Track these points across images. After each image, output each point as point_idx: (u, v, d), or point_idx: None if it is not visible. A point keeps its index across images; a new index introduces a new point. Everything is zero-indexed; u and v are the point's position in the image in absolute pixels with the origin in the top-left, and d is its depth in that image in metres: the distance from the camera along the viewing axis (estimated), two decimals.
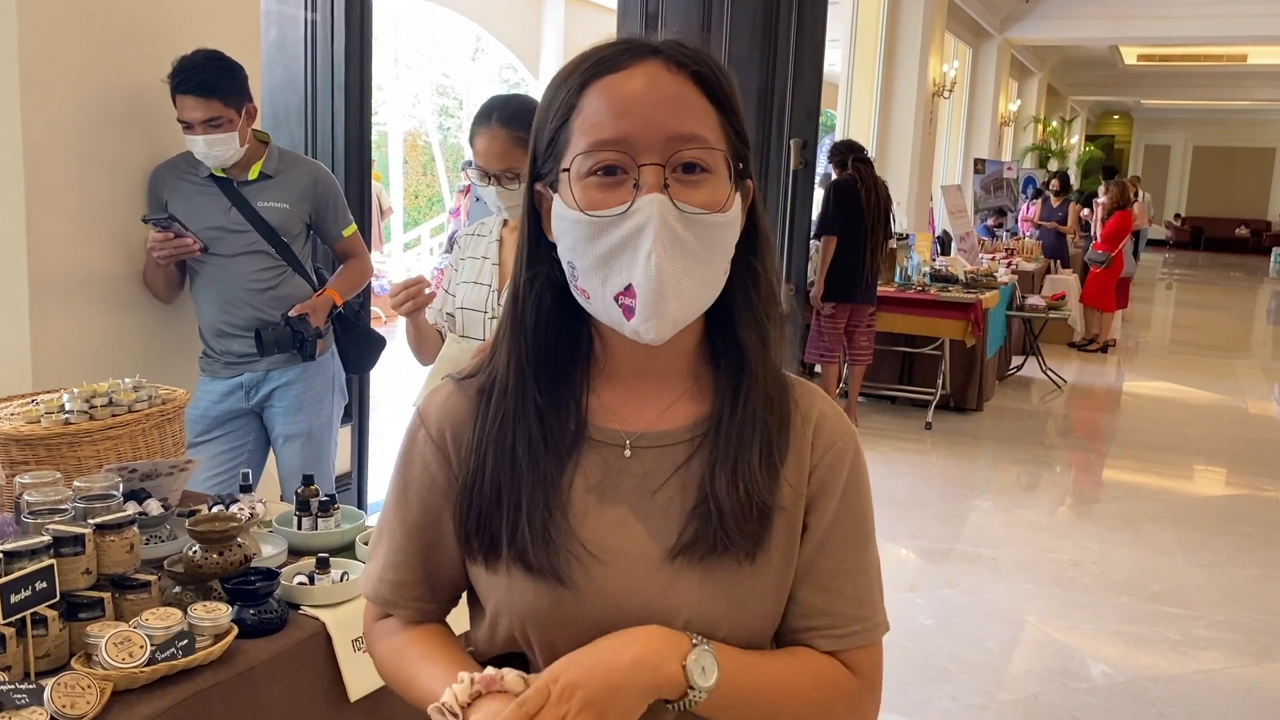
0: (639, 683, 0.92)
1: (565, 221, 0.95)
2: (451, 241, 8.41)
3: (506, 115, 2.20)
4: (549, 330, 1.01)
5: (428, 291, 2.30)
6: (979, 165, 12.46)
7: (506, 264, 2.39)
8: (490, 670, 0.95)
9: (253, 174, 2.86)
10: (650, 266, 0.90)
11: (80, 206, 2.71)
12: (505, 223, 2.41)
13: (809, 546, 1.02)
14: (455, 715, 0.92)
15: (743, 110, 0.99)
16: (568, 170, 0.95)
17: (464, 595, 1.12)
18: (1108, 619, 4.03)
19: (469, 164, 2.37)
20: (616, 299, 0.93)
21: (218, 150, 2.73)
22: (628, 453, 1.01)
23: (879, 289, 6.90)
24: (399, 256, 12.73)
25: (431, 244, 13.49)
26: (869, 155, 6.48)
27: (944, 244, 9.76)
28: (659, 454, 1.01)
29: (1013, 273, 8.76)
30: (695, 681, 0.92)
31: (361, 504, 4.15)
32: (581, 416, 1.01)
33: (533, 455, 0.99)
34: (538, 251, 1.01)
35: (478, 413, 1.03)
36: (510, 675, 0.94)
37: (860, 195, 6.14)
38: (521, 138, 2.15)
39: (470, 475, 1.01)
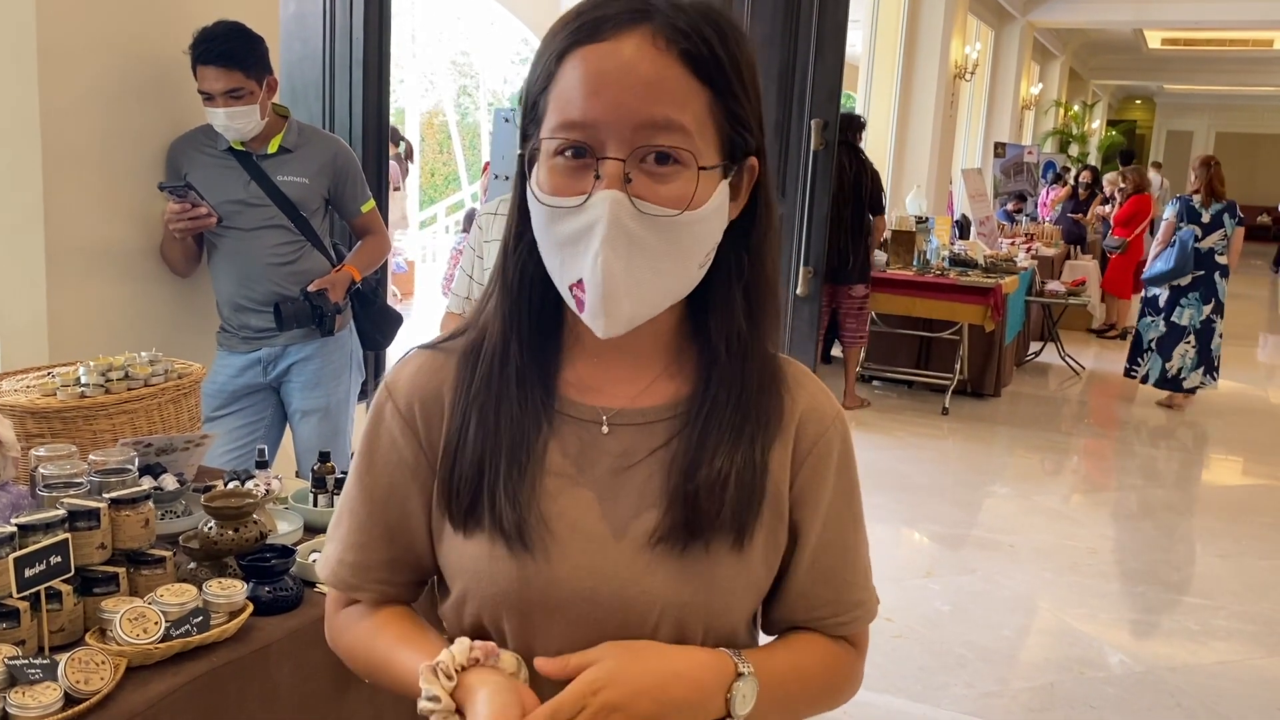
0: (680, 717, 0.90)
1: (531, 200, 0.93)
2: (469, 220, 8.37)
3: None
4: (533, 295, 0.97)
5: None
6: (999, 149, 12.35)
7: None
8: (490, 642, 0.92)
9: (272, 147, 2.84)
10: (597, 267, 0.87)
11: (98, 179, 2.69)
12: None
13: (807, 542, 1.00)
14: (450, 678, 0.88)
15: (751, 84, 0.92)
16: (540, 147, 0.91)
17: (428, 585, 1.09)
18: (1126, 608, 4.00)
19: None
20: (570, 289, 0.91)
21: (238, 123, 2.71)
22: (605, 429, 0.97)
23: (898, 273, 6.86)
24: (415, 234, 12.72)
25: (447, 222, 13.47)
26: (854, 134, 6.42)
27: (963, 228, 9.67)
28: (636, 432, 0.97)
29: (1032, 258, 8.68)
30: (735, 711, 0.92)
31: None
32: (553, 387, 0.98)
33: (512, 420, 0.96)
34: (525, 214, 0.95)
35: (460, 374, 1.00)
36: (506, 654, 0.92)
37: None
38: None
39: (454, 436, 0.98)
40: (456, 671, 0.89)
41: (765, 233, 0.98)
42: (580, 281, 0.90)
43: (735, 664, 0.93)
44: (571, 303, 0.93)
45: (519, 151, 0.98)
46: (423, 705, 0.88)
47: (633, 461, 0.97)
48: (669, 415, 0.98)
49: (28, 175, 2.54)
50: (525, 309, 0.98)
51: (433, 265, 11.97)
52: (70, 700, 1.32)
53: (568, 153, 0.89)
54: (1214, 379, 7.36)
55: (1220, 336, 7.29)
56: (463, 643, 0.91)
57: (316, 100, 3.94)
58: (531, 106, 0.94)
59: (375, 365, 3.92)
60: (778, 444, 0.98)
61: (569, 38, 0.90)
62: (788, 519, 0.99)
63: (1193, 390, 7.35)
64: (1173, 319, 7.26)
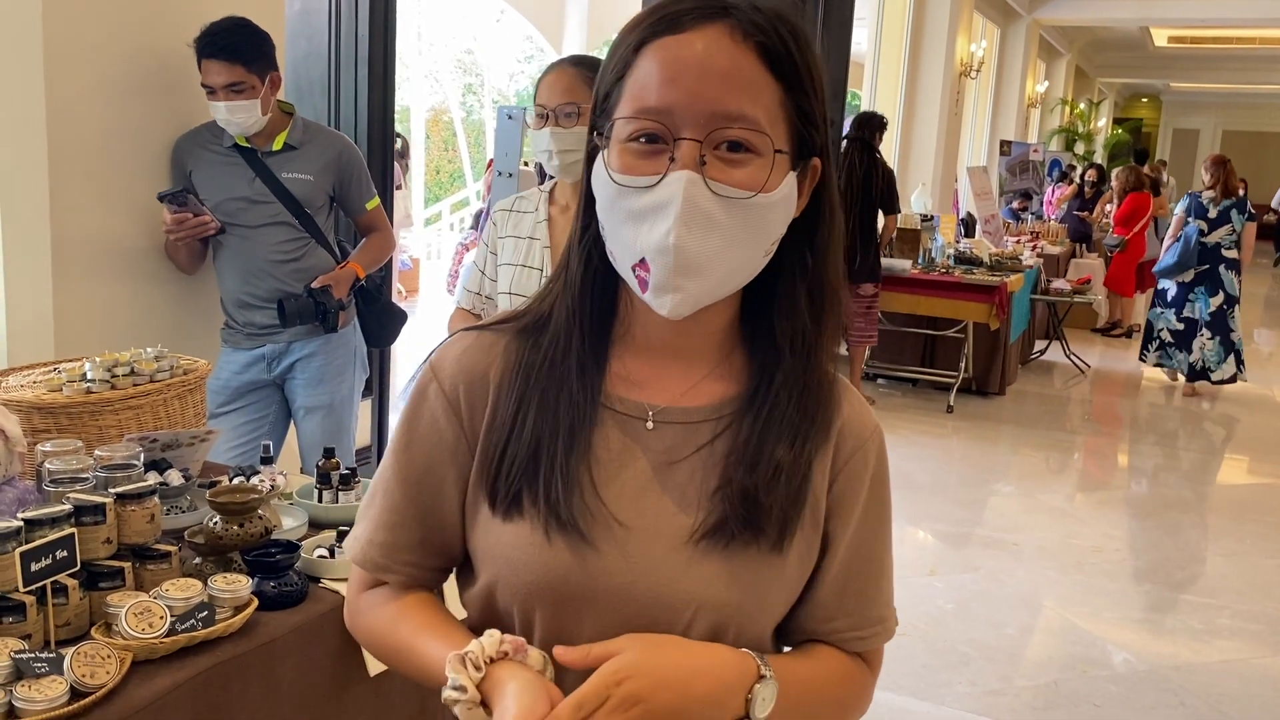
0: (700, 713, 0.89)
1: (600, 180, 0.94)
2: (478, 219, 8.37)
3: (579, 58, 2.24)
4: (593, 287, 0.98)
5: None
6: (1005, 147, 12.32)
7: (559, 246, 2.32)
8: (520, 637, 0.92)
9: (277, 144, 2.84)
10: (668, 243, 0.88)
11: (104, 176, 2.70)
12: (551, 199, 2.33)
13: (836, 552, 1.00)
14: (479, 669, 0.87)
15: (819, 85, 0.94)
16: (611, 132, 0.93)
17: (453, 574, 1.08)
18: (1130, 607, 4.00)
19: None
20: (633, 269, 0.92)
21: (239, 117, 2.71)
22: (649, 425, 0.97)
23: (906, 272, 6.85)
24: (420, 232, 12.73)
25: (452, 219, 13.48)
26: (872, 132, 6.42)
27: (968, 226, 9.66)
28: (681, 430, 0.97)
29: (1038, 256, 8.67)
30: (754, 713, 0.91)
31: None
32: (601, 383, 0.98)
33: (571, 410, 0.96)
34: (592, 206, 0.97)
35: (515, 355, 0.99)
36: (534, 651, 0.92)
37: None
38: (589, 76, 2.13)
39: (508, 417, 0.97)
40: (485, 663, 0.89)
41: (830, 234, 0.98)
42: (644, 260, 0.90)
43: (758, 665, 0.93)
44: (634, 283, 0.93)
45: (590, 146, 0.98)
46: (447, 694, 0.88)
47: (675, 459, 0.97)
48: (715, 416, 0.98)
49: (34, 172, 2.54)
50: (589, 301, 0.98)
51: (437, 262, 11.98)
52: (76, 694, 1.32)
53: (642, 138, 0.90)
54: (1242, 370, 7.55)
55: (1237, 330, 7.50)
56: (492, 635, 0.90)
57: (322, 97, 3.95)
58: (604, 98, 0.95)
59: (379, 362, 3.93)
60: (821, 451, 0.99)
61: (647, 30, 0.91)
62: (822, 528, 1.00)
63: (1222, 382, 7.52)
64: (1184, 314, 7.50)
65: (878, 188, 6.32)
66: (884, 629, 1.05)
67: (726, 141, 0.89)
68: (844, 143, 6.46)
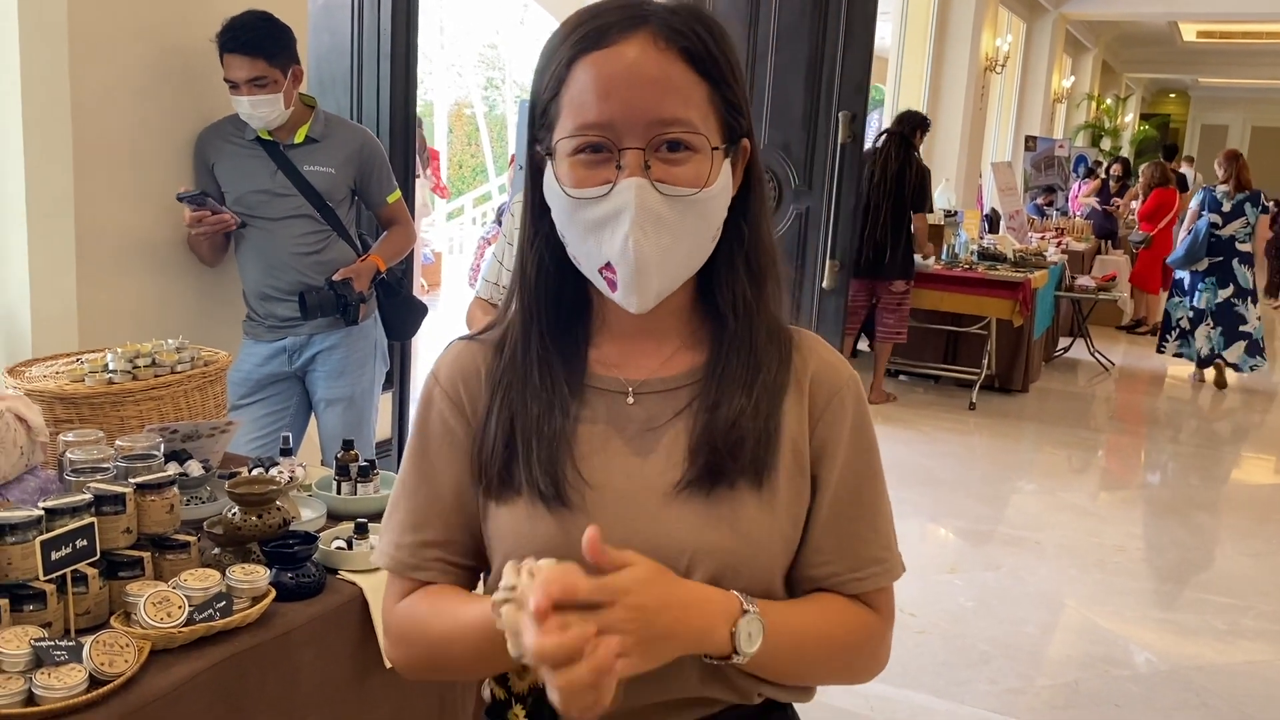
0: (690, 641, 0.92)
1: (552, 194, 0.99)
2: (500, 214, 8.38)
3: None
4: (550, 287, 1.05)
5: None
6: (1030, 142, 12.23)
7: None
8: None
9: (299, 137, 2.85)
10: (629, 247, 0.95)
11: (127, 169, 2.72)
12: None
13: (825, 495, 1.04)
14: (533, 576, 0.87)
15: (739, 73, 1.01)
16: (555, 148, 0.98)
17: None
18: (1152, 606, 3.96)
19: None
20: (600, 272, 0.98)
21: (262, 111, 2.72)
22: (630, 399, 1.04)
23: (929, 268, 6.80)
24: (442, 226, 12.76)
25: (475, 214, 13.52)
26: (913, 129, 6.39)
27: (992, 222, 9.59)
28: (660, 399, 1.04)
29: (1063, 252, 8.59)
30: (741, 647, 0.94)
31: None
32: (582, 365, 1.05)
33: (538, 398, 1.03)
34: (537, 210, 1.04)
35: (492, 362, 1.07)
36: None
37: (868, 168, 6.11)
38: None
39: (484, 415, 1.05)
40: (531, 575, 0.90)
41: (760, 203, 1.06)
42: (610, 264, 0.97)
43: (740, 602, 0.95)
44: (602, 285, 1.00)
45: (530, 154, 1.05)
46: (497, 596, 0.89)
47: (657, 424, 1.03)
48: (689, 382, 1.04)
49: (58, 164, 2.56)
50: (543, 300, 1.05)
51: (460, 256, 12.01)
52: (95, 682, 1.33)
53: (586, 150, 0.96)
54: (1263, 359, 7.62)
55: (1260, 320, 7.60)
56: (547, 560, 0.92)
57: (344, 92, 3.96)
58: (542, 113, 1.00)
59: (400, 355, 3.94)
60: (792, 399, 1.04)
61: (574, 47, 0.96)
62: (809, 473, 1.04)
63: (1237, 367, 7.62)
64: (1194, 303, 7.66)
65: (910, 184, 6.27)
66: (883, 570, 1.06)
67: (666, 142, 0.95)
68: (881, 136, 6.41)
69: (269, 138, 2.83)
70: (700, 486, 0.99)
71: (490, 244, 8.95)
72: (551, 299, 1.05)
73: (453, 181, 14.99)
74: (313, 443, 3.14)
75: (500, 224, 8.42)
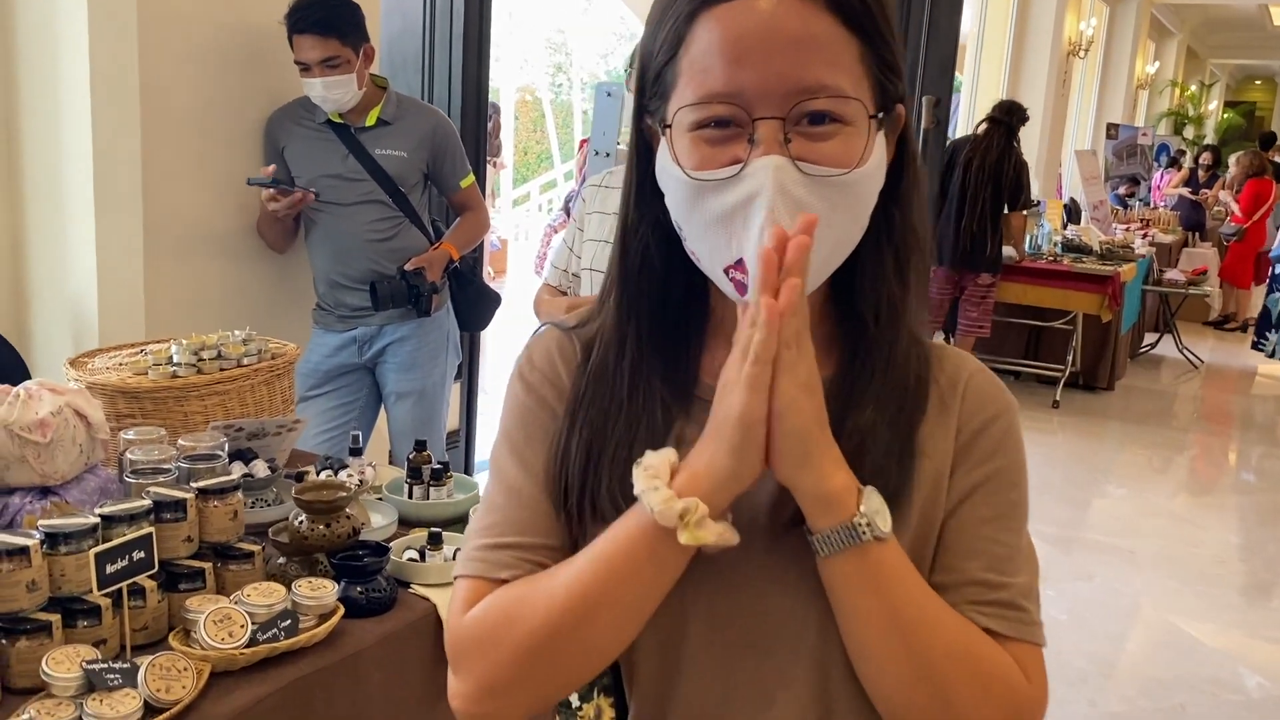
0: (821, 451, 0.79)
1: (668, 177, 0.83)
2: (568, 202, 8.27)
3: None
4: (655, 281, 0.89)
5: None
6: (1112, 130, 11.82)
7: None
8: None
9: (370, 120, 2.74)
10: (764, 240, 0.76)
11: (195, 152, 2.64)
12: None
13: (957, 536, 0.87)
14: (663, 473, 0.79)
15: (893, 24, 0.83)
16: (672, 121, 0.82)
17: None
18: (1261, 624, 3.72)
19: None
20: (727, 272, 0.81)
21: (335, 93, 2.62)
22: None
23: (1013, 260, 6.53)
24: (508, 212, 12.71)
25: (541, 200, 13.45)
26: (1019, 120, 6.10)
27: (1071, 212, 9.26)
28: None
29: (1150, 244, 8.26)
30: (870, 516, 0.79)
31: (469, 463, 4.08)
32: (692, 374, 0.89)
33: (625, 415, 0.87)
34: (645, 192, 0.87)
35: (579, 371, 0.91)
36: None
37: (960, 157, 5.86)
38: None
39: (563, 433, 0.88)
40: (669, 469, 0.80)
41: (914, 184, 0.88)
42: (740, 261, 0.80)
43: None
44: (728, 287, 0.82)
45: (639, 127, 0.88)
46: (641, 487, 0.78)
47: None
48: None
49: (126, 148, 2.48)
50: (646, 297, 0.89)
51: (526, 244, 11.94)
52: (150, 709, 1.22)
53: (710, 124, 0.80)
54: None
55: None
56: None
57: (415, 74, 3.85)
58: (655, 78, 0.84)
59: (469, 346, 3.83)
60: (935, 422, 0.87)
61: None
62: (941, 509, 0.87)
63: None
64: None
65: (1008, 176, 5.98)
66: (1017, 619, 0.85)
67: (809, 113, 0.78)
68: (982, 124, 6.12)
69: (340, 120, 2.72)
70: (799, 526, 0.82)
71: (556, 231, 8.86)
72: (656, 296, 0.89)
73: (518, 169, 14.94)
74: (380, 436, 3.04)
75: (568, 212, 8.31)
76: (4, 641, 1.26)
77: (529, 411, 0.92)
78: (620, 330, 0.89)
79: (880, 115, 0.81)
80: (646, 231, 0.88)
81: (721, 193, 0.79)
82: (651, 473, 0.79)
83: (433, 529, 1.71)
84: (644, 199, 0.87)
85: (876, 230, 0.85)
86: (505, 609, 0.83)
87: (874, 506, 0.79)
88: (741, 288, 0.81)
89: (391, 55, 3.77)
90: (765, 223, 0.77)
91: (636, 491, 0.79)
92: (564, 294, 2.42)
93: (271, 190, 2.61)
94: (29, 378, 2.25)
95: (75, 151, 2.43)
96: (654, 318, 0.89)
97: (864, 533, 0.78)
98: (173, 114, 2.56)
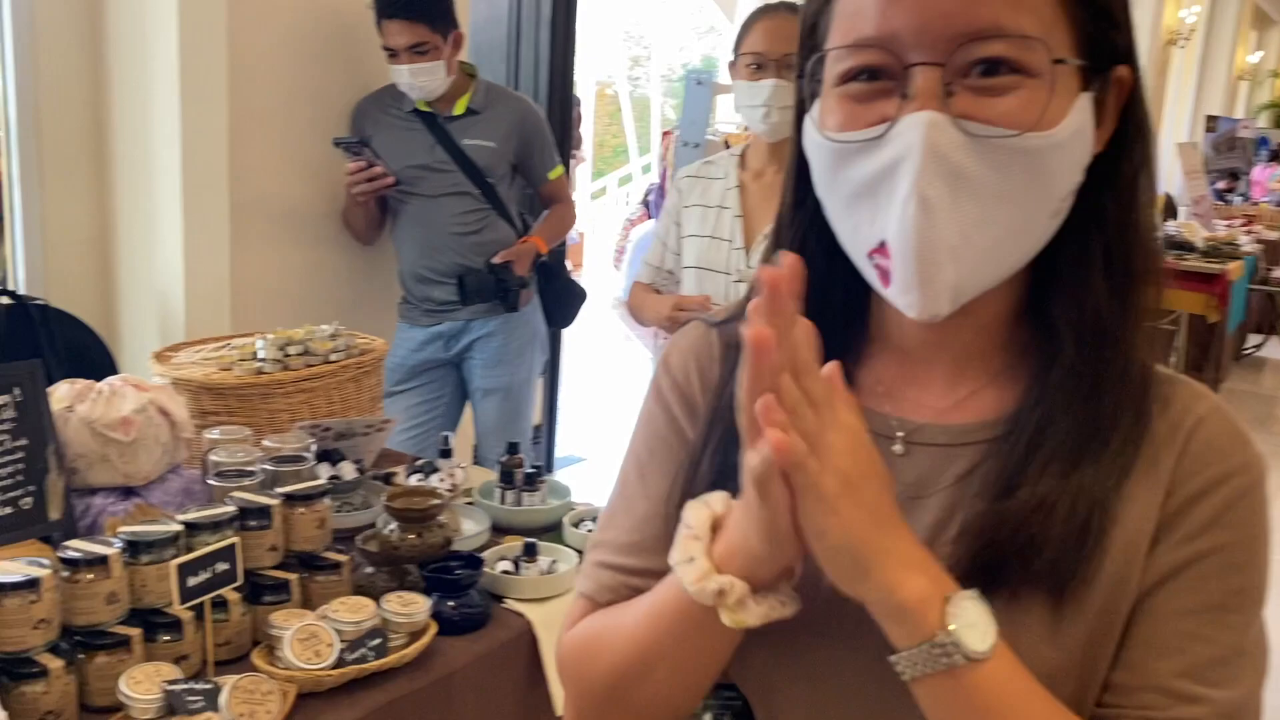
0: (881, 557, 0.63)
1: (810, 144, 0.71)
2: (648, 195, 8.15)
3: (795, 5, 1.93)
4: (812, 278, 0.72)
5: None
6: (1211, 122, 11.37)
7: (751, 215, 2.09)
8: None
9: (459, 109, 2.66)
10: (907, 217, 0.64)
11: (281, 140, 2.58)
12: (743, 163, 2.10)
13: (1143, 587, 0.69)
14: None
15: None
16: (822, 73, 0.70)
17: None
18: None
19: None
20: (870, 256, 0.68)
21: (423, 80, 2.54)
22: (898, 449, 0.74)
23: None
24: (585, 206, 12.67)
25: (618, 194, 13.39)
26: None
27: (1168, 206, 8.90)
28: (939, 455, 0.73)
29: (1256, 242, 7.88)
30: (960, 634, 0.61)
31: (550, 460, 4.00)
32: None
33: None
34: (805, 175, 0.73)
35: (722, 370, 0.79)
36: None
37: None
38: None
39: (699, 444, 0.77)
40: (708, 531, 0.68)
41: (1139, 170, 0.71)
42: (884, 245, 0.66)
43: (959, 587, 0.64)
44: (872, 276, 0.69)
45: (800, 98, 0.74)
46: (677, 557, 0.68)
47: (928, 492, 0.72)
48: (986, 436, 0.72)
49: (213, 134, 2.43)
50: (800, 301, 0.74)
51: (603, 238, 11.88)
52: None
53: (860, 76, 0.67)
54: None
55: None
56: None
57: (501, 63, 3.77)
58: (810, 30, 0.72)
59: (552, 340, 3.74)
60: (1141, 481, 0.69)
61: None
62: (1134, 589, 0.69)
63: None
64: None
65: None
66: None
67: (980, 62, 0.64)
68: None
69: (427, 109, 2.64)
70: (968, 585, 0.65)
71: (634, 224, 8.76)
72: (814, 296, 0.71)
73: (595, 162, 14.90)
74: (465, 433, 2.96)
75: (648, 205, 8.20)
76: (82, 657, 1.18)
77: (656, 426, 0.82)
78: None
79: (1085, 71, 0.66)
80: (804, 218, 0.75)
81: (864, 158, 0.66)
82: (691, 534, 0.68)
83: (528, 540, 1.60)
84: (803, 181, 0.74)
85: (1084, 224, 0.69)
86: (588, 642, 0.78)
87: (968, 619, 0.62)
88: (885, 276, 0.67)
89: (478, 43, 3.69)
90: (910, 195, 0.63)
91: (671, 561, 0.68)
92: (658, 293, 2.31)
93: (356, 161, 2.53)
94: (116, 371, 2.21)
95: (164, 136, 2.38)
96: (815, 318, 0.74)
97: (951, 654, 0.62)
98: (260, 100, 2.51)
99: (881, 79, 0.66)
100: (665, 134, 6.99)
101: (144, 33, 2.35)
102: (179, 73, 2.33)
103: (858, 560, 0.63)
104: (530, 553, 1.58)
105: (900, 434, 0.74)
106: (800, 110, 0.74)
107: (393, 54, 2.53)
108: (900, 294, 0.67)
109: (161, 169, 2.39)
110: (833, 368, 0.65)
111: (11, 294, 2.11)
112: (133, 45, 2.38)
